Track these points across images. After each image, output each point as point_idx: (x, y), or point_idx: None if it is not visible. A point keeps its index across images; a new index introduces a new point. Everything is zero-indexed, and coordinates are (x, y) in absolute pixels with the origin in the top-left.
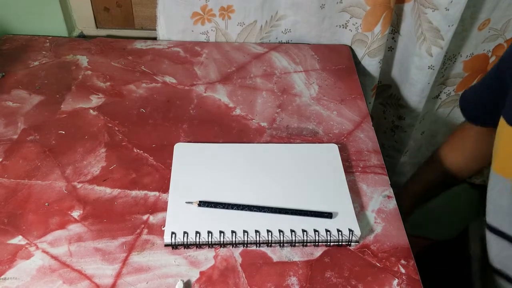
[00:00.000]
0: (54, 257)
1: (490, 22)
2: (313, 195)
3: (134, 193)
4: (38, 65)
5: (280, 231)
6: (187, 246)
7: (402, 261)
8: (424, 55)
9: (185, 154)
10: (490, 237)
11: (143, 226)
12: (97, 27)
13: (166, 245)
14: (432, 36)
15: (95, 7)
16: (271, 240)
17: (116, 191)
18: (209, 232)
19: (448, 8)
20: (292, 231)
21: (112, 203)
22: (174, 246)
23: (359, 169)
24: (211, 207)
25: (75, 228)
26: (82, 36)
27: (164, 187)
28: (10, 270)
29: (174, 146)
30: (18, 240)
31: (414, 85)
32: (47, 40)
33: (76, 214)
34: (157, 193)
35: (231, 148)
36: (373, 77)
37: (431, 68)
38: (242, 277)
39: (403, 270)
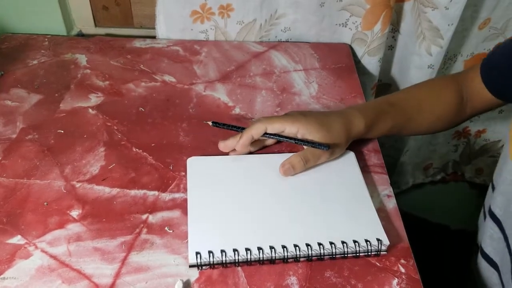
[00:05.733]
0: (53, 257)
1: (490, 21)
2: (336, 207)
3: (133, 192)
4: (37, 64)
5: (307, 245)
6: (213, 266)
7: (402, 261)
8: (424, 54)
9: (199, 168)
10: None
11: (142, 225)
12: (96, 26)
13: (191, 266)
14: (431, 35)
15: (93, 6)
16: (299, 254)
17: (115, 191)
18: (234, 250)
19: (447, 7)
20: (319, 244)
21: (111, 202)
22: (200, 267)
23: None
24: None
25: (74, 228)
26: (80, 35)
27: (163, 187)
28: (9, 270)
29: (187, 161)
30: (17, 239)
31: None
32: (46, 39)
33: (75, 213)
34: (156, 193)
35: (245, 160)
36: (373, 76)
37: (431, 68)
38: (242, 277)
39: (403, 270)
